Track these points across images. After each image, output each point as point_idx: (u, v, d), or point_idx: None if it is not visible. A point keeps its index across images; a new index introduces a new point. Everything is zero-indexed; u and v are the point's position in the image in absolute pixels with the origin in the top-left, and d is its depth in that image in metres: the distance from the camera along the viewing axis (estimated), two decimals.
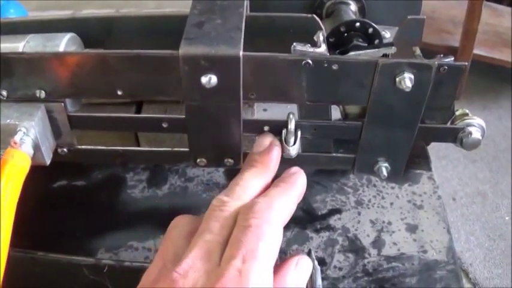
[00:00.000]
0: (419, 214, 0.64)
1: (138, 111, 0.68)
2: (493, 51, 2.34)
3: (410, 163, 0.62)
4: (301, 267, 0.39)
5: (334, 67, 0.41)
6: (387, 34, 0.54)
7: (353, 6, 0.62)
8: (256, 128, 0.46)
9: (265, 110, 0.75)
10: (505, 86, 2.51)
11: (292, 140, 0.45)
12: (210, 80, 0.40)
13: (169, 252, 0.37)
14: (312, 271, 0.41)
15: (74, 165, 0.69)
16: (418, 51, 0.50)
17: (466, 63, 0.43)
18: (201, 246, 0.36)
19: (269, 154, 0.43)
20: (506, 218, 1.94)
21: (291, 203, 0.40)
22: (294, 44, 0.42)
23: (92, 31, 0.50)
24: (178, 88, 0.42)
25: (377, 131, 0.46)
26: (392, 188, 0.68)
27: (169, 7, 0.57)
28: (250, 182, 0.41)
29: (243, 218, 0.37)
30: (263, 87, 0.43)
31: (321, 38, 0.44)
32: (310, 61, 0.41)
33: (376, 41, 0.54)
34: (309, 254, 0.42)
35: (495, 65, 2.35)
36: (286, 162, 0.45)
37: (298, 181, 0.42)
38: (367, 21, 0.54)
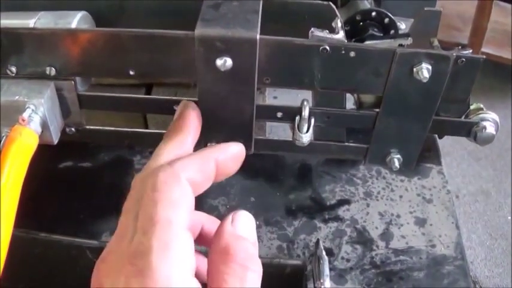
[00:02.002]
0: (429, 208, 0.64)
1: (148, 94, 0.67)
2: (500, 50, 2.34)
3: (421, 156, 0.62)
4: (239, 221, 0.36)
5: (352, 54, 0.40)
6: (402, 25, 0.54)
7: None
8: (269, 114, 0.45)
9: (275, 97, 0.74)
10: None
11: (305, 127, 0.44)
12: (225, 62, 0.39)
13: None
14: (320, 261, 0.41)
15: (81, 146, 0.68)
16: (436, 42, 0.49)
17: (484, 57, 0.42)
18: (117, 229, 0.35)
19: (180, 115, 0.42)
20: (509, 218, 1.94)
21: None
22: (312, 29, 0.41)
23: (103, 11, 0.49)
24: (191, 70, 0.41)
25: (391, 121, 0.45)
26: (402, 180, 0.67)
27: None
28: (162, 150, 0.38)
29: (138, 188, 0.35)
30: (278, 72, 0.42)
31: (339, 24, 0.43)
32: (327, 47, 0.40)
33: (392, 32, 0.54)
34: (316, 244, 0.42)
35: (502, 63, 2.34)
36: (298, 150, 0.44)
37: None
38: (384, 10, 0.54)
